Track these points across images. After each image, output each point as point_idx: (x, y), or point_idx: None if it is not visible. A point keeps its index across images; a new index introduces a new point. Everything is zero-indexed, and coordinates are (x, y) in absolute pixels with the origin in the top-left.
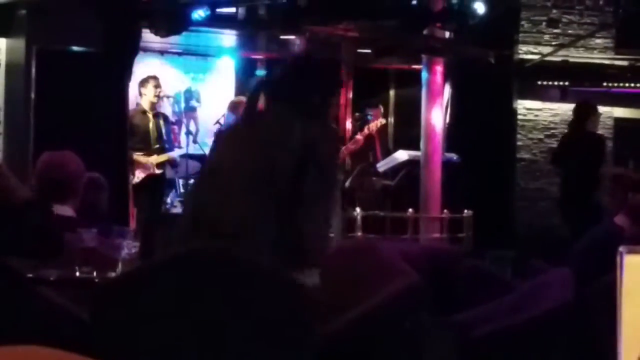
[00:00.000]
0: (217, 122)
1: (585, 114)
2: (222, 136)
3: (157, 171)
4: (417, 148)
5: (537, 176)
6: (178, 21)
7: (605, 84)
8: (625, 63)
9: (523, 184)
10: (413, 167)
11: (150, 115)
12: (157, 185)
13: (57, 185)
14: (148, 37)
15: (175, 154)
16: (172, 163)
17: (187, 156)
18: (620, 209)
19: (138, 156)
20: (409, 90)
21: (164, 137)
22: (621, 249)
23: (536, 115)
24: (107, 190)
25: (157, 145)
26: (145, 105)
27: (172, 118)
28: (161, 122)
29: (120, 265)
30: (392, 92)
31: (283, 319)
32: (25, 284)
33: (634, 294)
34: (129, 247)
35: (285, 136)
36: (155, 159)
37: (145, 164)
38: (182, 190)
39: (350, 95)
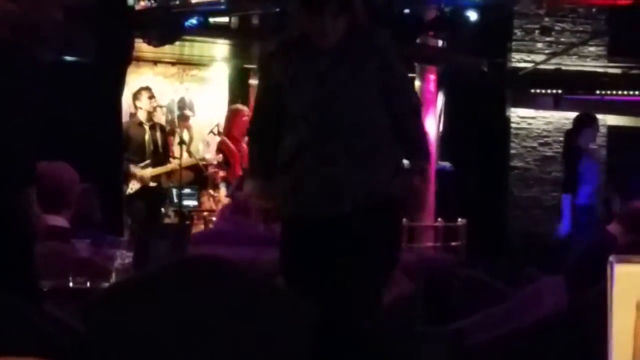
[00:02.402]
0: (211, 131)
1: (576, 125)
2: None
3: (152, 183)
4: None
5: (530, 184)
6: (171, 31)
7: (598, 91)
8: (618, 71)
9: (516, 192)
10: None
11: (146, 127)
12: (151, 196)
13: (51, 195)
14: (141, 46)
15: (172, 166)
16: (169, 174)
17: (180, 166)
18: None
19: (133, 168)
20: None
21: (161, 149)
22: (611, 258)
23: (529, 124)
24: (98, 199)
25: (153, 158)
26: (142, 116)
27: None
28: (157, 133)
29: (113, 275)
30: None
31: (275, 327)
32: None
33: (624, 303)
34: (123, 257)
35: None
36: (150, 172)
37: (140, 176)
38: (176, 200)
39: None
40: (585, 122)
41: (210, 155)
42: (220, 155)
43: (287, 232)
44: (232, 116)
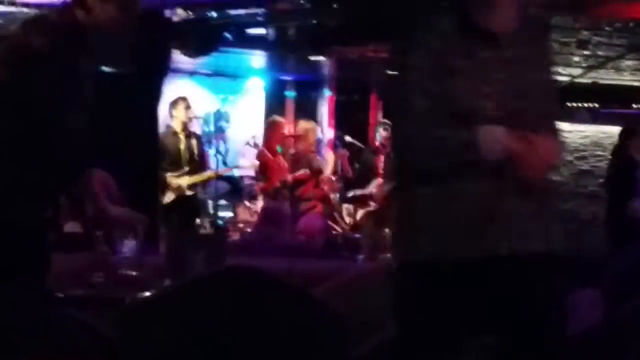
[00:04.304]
0: (247, 142)
1: (624, 137)
2: None
3: (189, 192)
4: None
5: (566, 198)
6: (208, 42)
7: (635, 105)
8: None
9: None
10: None
11: (182, 137)
12: (188, 206)
13: (83, 203)
14: (178, 58)
15: (209, 174)
16: (208, 183)
17: (217, 176)
18: None
19: (170, 178)
20: None
21: (197, 157)
22: None
23: (566, 137)
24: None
25: (189, 167)
26: (177, 126)
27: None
28: (194, 142)
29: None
30: None
31: (312, 339)
32: (55, 303)
33: None
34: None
35: None
36: (186, 180)
37: (177, 185)
38: (211, 211)
39: (380, 116)
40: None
41: (246, 163)
42: (257, 162)
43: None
44: (271, 128)
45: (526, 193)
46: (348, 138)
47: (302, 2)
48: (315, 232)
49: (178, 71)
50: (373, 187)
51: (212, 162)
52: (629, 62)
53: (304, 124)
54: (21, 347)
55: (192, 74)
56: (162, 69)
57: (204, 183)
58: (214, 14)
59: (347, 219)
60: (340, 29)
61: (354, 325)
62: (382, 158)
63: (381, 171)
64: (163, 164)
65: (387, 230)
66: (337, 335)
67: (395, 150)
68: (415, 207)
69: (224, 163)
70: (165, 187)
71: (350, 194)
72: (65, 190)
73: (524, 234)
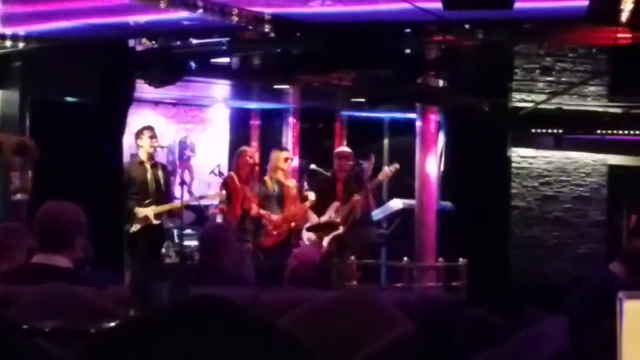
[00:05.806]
0: (212, 171)
1: None
2: None
3: (155, 222)
4: (411, 197)
5: (531, 224)
6: (172, 72)
7: (599, 131)
8: (619, 110)
9: (518, 231)
10: (408, 216)
11: (148, 166)
12: (153, 235)
13: (52, 234)
14: (142, 87)
15: (176, 205)
16: (174, 213)
17: (182, 206)
18: None
19: (137, 208)
20: (403, 139)
21: (163, 188)
22: (620, 294)
23: (530, 163)
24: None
25: (155, 197)
26: (143, 156)
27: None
28: (159, 172)
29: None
30: (386, 141)
31: None
32: (20, 335)
33: (634, 339)
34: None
35: None
36: (153, 209)
37: (144, 216)
38: (177, 240)
39: (345, 143)
40: None
41: (212, 192)
42: (224, 192)
43: None
44: (238, 157)
45: None
46: (313, 166)
47: (266, 31)
48: (307, 262)
49: (142, 101)
50: (331, 212)
51: (177, 191)
52: (592, 88)
53: (273, 154)
54: None
55: (156, 103)
56: (126, 99)
57: (170, 213)
58: (178, 44)
59: None
60: (305, 58)
61: (319, 355)
62: (339, 185)
63: (339, 195)
64: (129, 194)
65: (352, 258)
66: None
67: None
68: None
69: (189, 192)
70: (131, 217)
71: (308, 224)
72: None
73: None
